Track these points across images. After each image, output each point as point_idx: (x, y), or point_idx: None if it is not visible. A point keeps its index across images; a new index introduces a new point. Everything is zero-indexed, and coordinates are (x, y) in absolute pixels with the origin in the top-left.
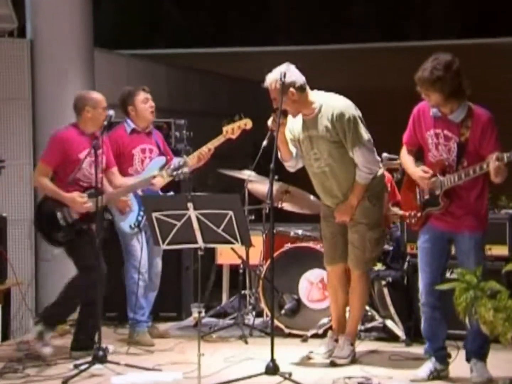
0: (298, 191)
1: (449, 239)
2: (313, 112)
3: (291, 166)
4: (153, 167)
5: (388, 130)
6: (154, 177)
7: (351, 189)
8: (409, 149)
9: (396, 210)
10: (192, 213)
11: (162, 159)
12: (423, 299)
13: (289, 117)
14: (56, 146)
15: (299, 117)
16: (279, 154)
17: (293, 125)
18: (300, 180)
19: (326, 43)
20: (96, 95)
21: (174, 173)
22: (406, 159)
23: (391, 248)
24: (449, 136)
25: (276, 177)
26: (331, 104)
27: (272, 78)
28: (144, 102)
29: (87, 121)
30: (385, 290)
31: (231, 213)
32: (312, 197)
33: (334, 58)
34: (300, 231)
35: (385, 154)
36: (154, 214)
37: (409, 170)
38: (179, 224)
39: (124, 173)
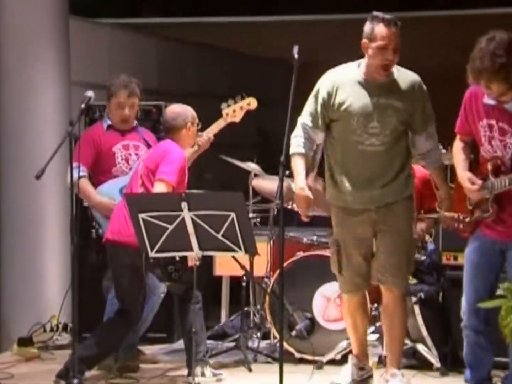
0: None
1: (501, 250)
2: (389, 74)
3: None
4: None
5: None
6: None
7: (396, 182)
8: (463, 139)
9: (441, 213)
10: (187, 215)
11: None
12: (465, 321)
13: (330, 79)
14: None
15: (348, 82)
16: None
17: (341, 91)
18: None
19: (343, 12)
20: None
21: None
22: (457, 157)
23: (423, 257)
24: (505, 129)
25: (287, 172)
26: (405, 70)
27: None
28: (119, 107)
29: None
30: (416, 308)
31: (233, 214)
32: None
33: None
34: (314, 237)
35: None
36: (141, 216)
37: (457, 171)
38: (170, 227)
39: (108, 174)
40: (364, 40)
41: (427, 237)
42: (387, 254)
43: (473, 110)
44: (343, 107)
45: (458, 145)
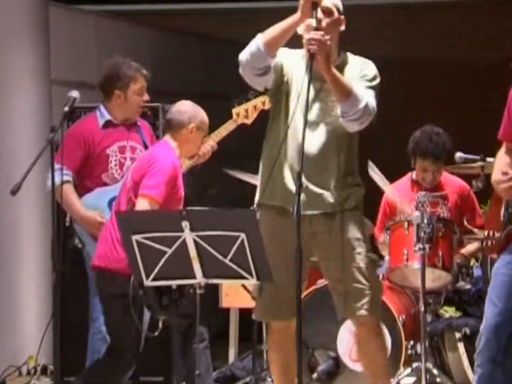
0: None
1: None
2: (336, 59)
3: (259, 74)
4: None
5: (460, 120)
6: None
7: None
8: (509, 148)
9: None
10: (188, 236)
11: None
12: (481, 346)
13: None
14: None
15: (299, 56)
16: (265, 38)
17: (290, 61)
18: None
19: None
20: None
21: None
22: (498, 161)
23: (467, 286)
24: None
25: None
26: (358, 58)
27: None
28: (139, 94)
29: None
30: (461, 347)
31: (243, 236)
32: None
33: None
34: None
35: (459, 154)
36: (135, 237)
37: (492, 177)
38: (169, 251)
39: (96, 180)
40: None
41: (472, 261)
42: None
43: None
44: (287, 81)
45: (502, 152)
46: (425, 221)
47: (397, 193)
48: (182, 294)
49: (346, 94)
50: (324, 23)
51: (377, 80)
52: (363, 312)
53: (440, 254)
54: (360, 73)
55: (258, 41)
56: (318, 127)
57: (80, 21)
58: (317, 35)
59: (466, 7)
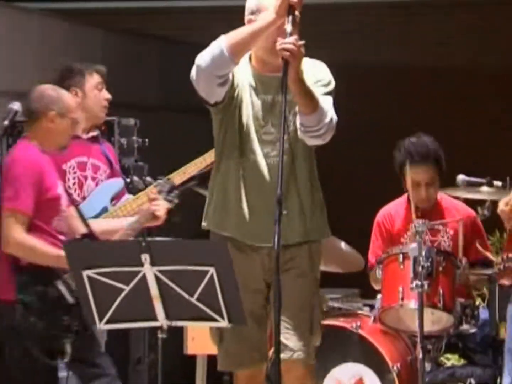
0: None
1: None
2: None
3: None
4: (102, 195)
5: (465, 140)
6: (152, 200)
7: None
8: None
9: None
10: (149, 271)
11: (118, 182)
12: None
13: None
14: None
15: (244, 62)
16: (230, 41)
17: (237, 69)
18: None
19: None
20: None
21: (169, 197)
22: None
23: (473, 330)
24: None
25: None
26: (309, 60)
27: None
28: (98, 89)
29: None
30: None
31: (212, 270)
32: (343, 244)
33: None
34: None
35: (461, 176)
36: (86, 273)
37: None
38: (127, 289)
39: None
40: (249, 17)
41: (477, 301)
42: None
43: None
44: (234, 94)
45: None
46: (423, 253)
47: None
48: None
49: (313, 107)
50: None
51: (333, 85)
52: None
53: (441, 292)
54: (313, 77)
55: (222, 44)
56: (275, 147)
57: (22, 20)
58: (293, 40)
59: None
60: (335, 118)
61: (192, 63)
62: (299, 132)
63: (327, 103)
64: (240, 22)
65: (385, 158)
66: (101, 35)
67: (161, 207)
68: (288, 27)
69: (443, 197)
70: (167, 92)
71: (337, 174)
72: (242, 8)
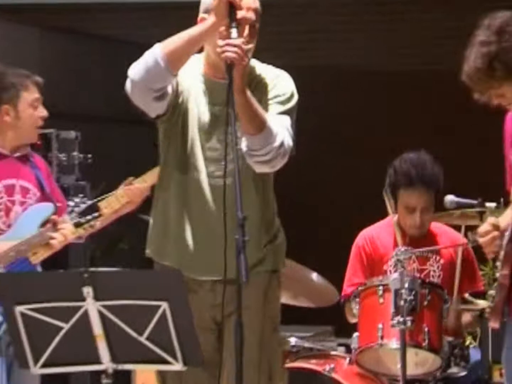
0: (291, 264)
1: None
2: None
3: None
4: (29, 221)
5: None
6: (55, 225)
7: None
8: None
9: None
10: (92, 306)
11: (48, 207)
12: None
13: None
14: None
15: (194, 67)
16: (167, 50)
17: (184, 74)
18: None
19: None
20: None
21: (87, 222)
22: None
23: (462, 373)
24: None
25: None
26: (271, 69)
27: None
28: (34, 107)
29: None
30: None
31: (165, 305)
32: (315, 275)
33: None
34: (292, 339)
35: (450, 197)
36: (19, 309)
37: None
38: (66, 326)
39: None
40: (202, 16)
41: (468, 339)
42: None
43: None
44: (180, 100)
45: None
46: (406, 285)
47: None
48: None
49: (258, 126)
50: (246, 32)
51: (293, 102)
52: None
53: (426, 329)
54: (271, 92)
55: (157, 53)
56: (220, 166)
57: None
58: (237, 41)
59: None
60: (288, 142)
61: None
62: (245, 155)
63: (279, 124)
64: (194, 19)
65: (364, 175)
66: (38, 34)
67: (63, 235)
68: (234, 32)
69: (434, 222)
70: (113, 99)
71: (304, 193)
72: (196, 4)
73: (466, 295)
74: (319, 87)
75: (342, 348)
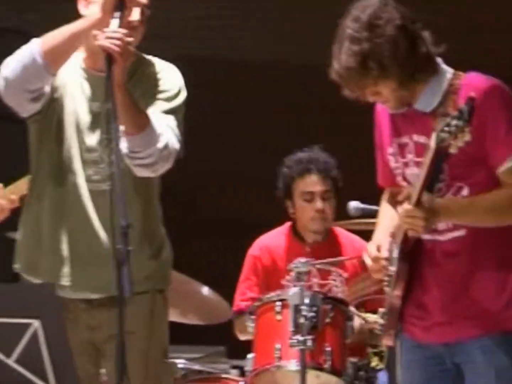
0: (179, 277)
1: (453, 363)
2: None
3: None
4: None
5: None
6: None
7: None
8: (391, 192)
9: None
10: None
11: None
12: None
13: None
14: None
15: (73, 61)
16: (46, 46)
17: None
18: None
19: None
20: None
21: None
22: (380, 214)
23: None
24: (419, 143)
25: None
26: (158, 62)
27: None
28: None
29: None
30: None
31: (36, 324)
32: (206, 289)
33: None
34: (179, 361)
35: (353, 204)
36: None
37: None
38: None
39: None
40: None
41: (374, 361)
42: None
43: (383, 135)
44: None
45: (384, 201)
46: (306, 300)
47: None
48: None
49: (140, 125)
50: (136, 15)
51: (181, 99)
52: None
53: (328, 350)
54: (156, 87)
55: (34, 50)
56: (99, 169)
57: None
58: (117, 33)
59: None
60: (173, 144)
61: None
62: (125, 157)
63: (164, 124)
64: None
65: (262, 176)
66: None
67: None
68: (114, 22)
69: (339, 231)
70: None
71: (193, 198)
72: None
73: (351, 308)
74: (214, 80)
75: (235, 371)
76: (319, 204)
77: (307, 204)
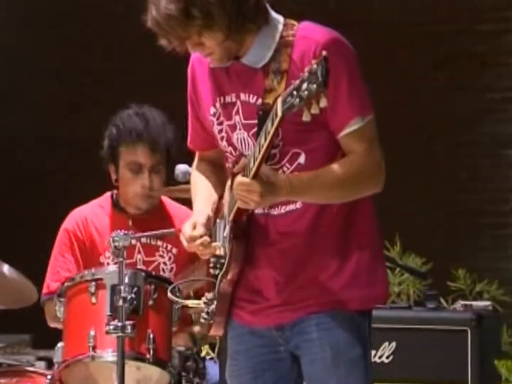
0: None
1: (287, 350)
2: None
3: None
4: None
5: None
6: None
7: None
8: (204, 157)
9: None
10: None
11: None
12: None
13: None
14: None
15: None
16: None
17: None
18: None
19: None
20: None
21: None
22: (194, 184)
23: None
24: (248, 102)
25: None
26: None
27: None
28: None
29: None
30: None
31: None
32: (7, 268)
33: None
34: None
35: (181, 167)
36: None
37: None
38: None
39: None
40: None
41: (204, 349)
42: None
43: (200, 92)
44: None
45: (195, 166)
46: (126, 280)
47: None
48: None
49: None
50: None
51: None
52: None
53: (151, 337)
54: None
55: None
56: None
57: None
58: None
59: None
60: None
61: None
62: None
63: None
64: None
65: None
66: None
67: None
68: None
69: (167, 200)
70: None
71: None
72: None
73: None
74: None
75: (42, 363)
76: (146, 180)
77: (133, 175)
